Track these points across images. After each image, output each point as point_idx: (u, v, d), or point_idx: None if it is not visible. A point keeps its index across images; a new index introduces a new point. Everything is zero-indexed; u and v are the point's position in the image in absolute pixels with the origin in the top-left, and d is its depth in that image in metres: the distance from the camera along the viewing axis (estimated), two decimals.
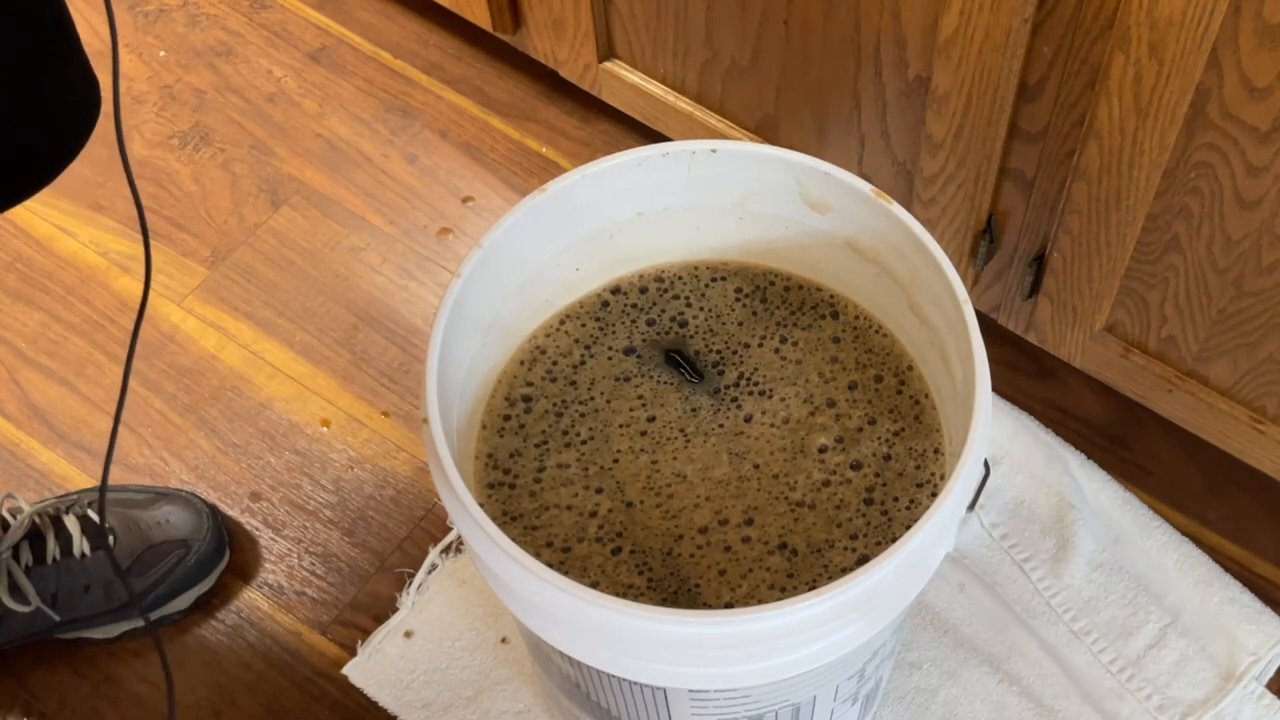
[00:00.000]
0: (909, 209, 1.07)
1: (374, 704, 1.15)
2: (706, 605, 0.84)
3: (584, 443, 0.89)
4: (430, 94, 1.45)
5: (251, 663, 1.18)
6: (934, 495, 0.86)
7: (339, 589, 1.20)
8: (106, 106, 0.85)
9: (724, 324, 0.94)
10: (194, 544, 1.17)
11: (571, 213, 0.89)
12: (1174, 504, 1.23)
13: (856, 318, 0.93)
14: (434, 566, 1.20)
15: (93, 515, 1.15)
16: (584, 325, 0.94)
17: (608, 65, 1.27)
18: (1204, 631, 1.15)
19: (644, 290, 0.95)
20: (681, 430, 0.90)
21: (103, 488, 0.97)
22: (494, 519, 0.78)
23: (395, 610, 1.18)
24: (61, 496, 1.18)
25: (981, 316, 0.89)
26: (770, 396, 0.91)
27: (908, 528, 0.75)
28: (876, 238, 0.87)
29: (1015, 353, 1.28)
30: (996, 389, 1.25)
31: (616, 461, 0.89)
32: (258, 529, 1.23)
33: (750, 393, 0.91)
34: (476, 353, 0.89)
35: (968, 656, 1.15)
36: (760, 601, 0.84)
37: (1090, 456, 1.23)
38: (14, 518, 1.14)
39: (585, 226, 0.90)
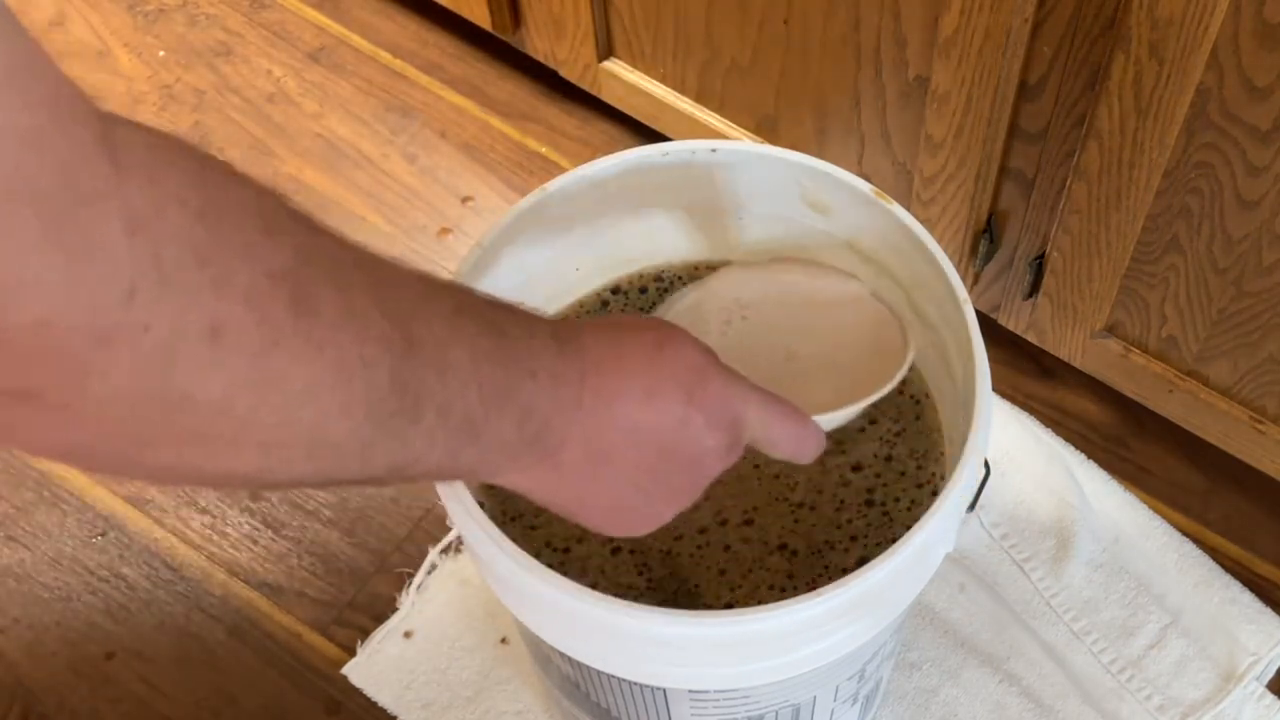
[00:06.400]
0: (909, 209, 1.07)
1: (374, 704, 1.15)
2: (706, 605, 0.84)
3: None
4: (430, 94, 1.45)
5: (251, 663, 1.18)
6: (935, 495, 0.86)
7: (339, 589, 1.20)
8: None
9: None
10: None
11: (571, 212, 0.88)
12: (1174, 504, 1.23)
13: None
14: (434, 566, 1.20)
15: None
16: None
17: (607, 65, 1.26)
18: (1204, 632, 1.15)
19: (644, 290, 0.95)
20: None
21: None
22: (493, 519, 0.78)
23: (395, 610, 1.18)
24: None
25: (981, 316, 0.89)
26: None
27: (908, 528, 0.75)
28: (876, 238, 0.87)
29: (1015, 353, 1.27)
30: (996, 389, 1.25)
31: None
32: (258, 529, 1.23)
33: None
34: None
35: (968, 656, 1.15)
36: (760, 602, 0.84)
37: (1090, 457, 1.23)
38: None
39: (585, 226, 0.90)
